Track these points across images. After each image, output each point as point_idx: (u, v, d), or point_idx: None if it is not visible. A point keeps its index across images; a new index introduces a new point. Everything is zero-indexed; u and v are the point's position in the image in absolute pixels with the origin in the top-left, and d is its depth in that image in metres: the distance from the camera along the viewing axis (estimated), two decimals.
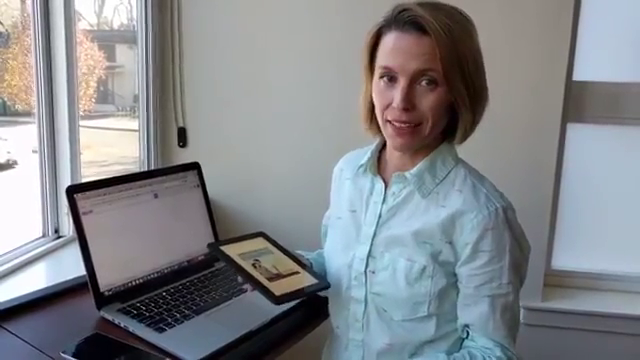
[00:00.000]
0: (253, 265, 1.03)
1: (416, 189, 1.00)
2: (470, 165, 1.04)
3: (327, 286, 1.07)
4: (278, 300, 0.98)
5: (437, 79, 0.91)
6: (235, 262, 1.03)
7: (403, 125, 0.95)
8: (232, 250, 1.06)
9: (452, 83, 0.92)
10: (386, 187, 1.04)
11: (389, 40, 0.94)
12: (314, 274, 1.09)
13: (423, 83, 0.92)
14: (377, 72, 0.97)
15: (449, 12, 0.93)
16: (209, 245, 1.07)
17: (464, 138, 0.99)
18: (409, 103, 0.93)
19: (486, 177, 1.03)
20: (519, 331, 1.01)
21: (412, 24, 0.91)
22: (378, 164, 1.07)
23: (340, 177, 1.16)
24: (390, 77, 0.94)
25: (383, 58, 0.95)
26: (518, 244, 0.97)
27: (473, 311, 0.97)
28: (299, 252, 1.18)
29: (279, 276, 1.03)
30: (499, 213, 0.95)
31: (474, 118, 0.97)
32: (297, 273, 1.07)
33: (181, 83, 2.00)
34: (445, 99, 0.93)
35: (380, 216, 1.03)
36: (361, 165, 1.08)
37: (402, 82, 0.93)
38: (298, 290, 1.02)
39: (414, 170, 1.00)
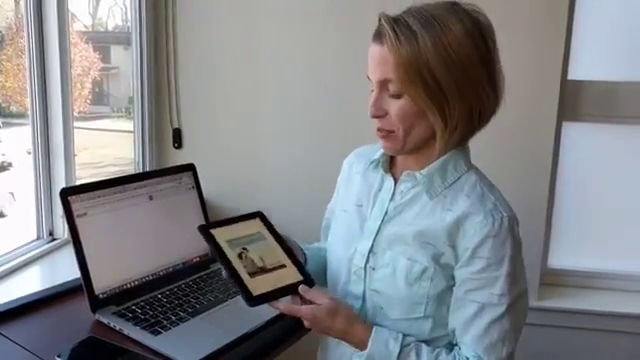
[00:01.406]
0: (239, 255, 1.00)
1: (424, 190, 1.00)
2: (482, 173, 1.03)
3: (312, 285, 1.03)
4: (252, 302, 0.96)
5: (399, 88, 0.92)
6: (221, 250, 1.00)
7: (379, 131, 0.98)
8: (222, 235, 1.02)
9: (410, 92, 0.92)
10: (396, 184, 1.04)
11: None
12: (301, 270, 1.04)
13: (390, 92, 0.94)
14: None
15: (423, 15, 0.92)
16: (200, 227, 1.03)
17: (445, 147, 0.97)
18: (379, 111, 0.96)
19: (497, 187, 1.02)
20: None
21: (379, 34, 0.93)
22: (390, 162, 1.07)
23: (350, 170, 1.16)
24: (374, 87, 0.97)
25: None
26: (518, 257, 0.96)
27: (459, 314, 0.97)
28: (294, 241, 1.15)
29: (263, 270, 1.00)
30: (504, 222, 0.94)
31: (446, 125, 0.94)
32: (283, 267, 1.03)
33: (176, 84, 1.99)
34: (413, 106, 0.93)
35: (386, 213, 1.03)
36: (373, 160, 1.08)
37: (375, 90, 0.96)
38: (277, 290, 0.98)
39: (425, 170, 1.00)
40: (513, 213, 0.97)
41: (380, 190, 1.06)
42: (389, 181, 1.05)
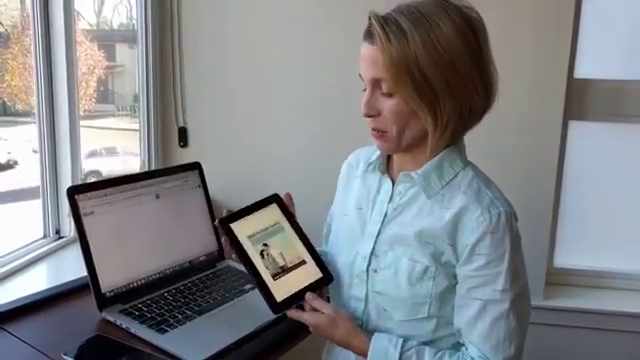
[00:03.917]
0: (261, 254, 1.00)
1: (422, 189, 0.99)
2: (479, 169, 1.03)
3: (330, 280, 1.06)
4: (277, 310, 0.98)
5: (390, 87, 0.92)
6: (243, 250, 0.99)
7: (373, 130, 0.98)
8: (242, 229, 1.01)
9: (401, 91, 0.92)
10: (394, 186, 1.04)
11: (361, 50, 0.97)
12: (319, 263, 1.06)
13: (382, 91, 0.94)
14: None
15: (413, 13, 0.91)
16: (219, 221, 1.01)
17: (437, 145, 0.97)
18: (372, 110, 0.96)
19: (494, 182, 1.01)
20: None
21: (370, 33, 0.93)
22: (387, 163, 1.07)
23: (349, 174, 1.16)
24: (366, 86, 0.97)
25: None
26: (518, 252, 0.96)
27: (464, 314, 0.97)
28: None
29: (284, 270, 1.01)
30: (501, 218, 0.94)
31: (437, 123, 0.94)
32: (303, 263, 1.04)
33: (181, 82, 1.99)
34: (405, 106, 0.93)
35: (386, 215, 1.03)
36: (370, 163, 1.08)
37: (367, 90, 0.96)
38: (299, 292, 1.00)
39: (421, 170, 0.99)
40: (511, 208, 0.97)
41: (379, 193, 1.06)
42: (387, 183, 1.05)
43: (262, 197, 1.08)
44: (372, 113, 0.96)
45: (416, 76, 0.90)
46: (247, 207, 1.05)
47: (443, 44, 0.90)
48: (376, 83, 0.94)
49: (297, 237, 1.07)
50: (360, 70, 0.97)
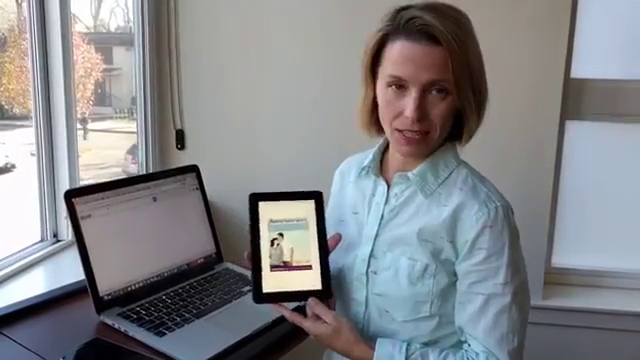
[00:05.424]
0: (272, 241, 0.98)
1: (419, 189, 1.00)
2: (472, 166, 1.04)
3: (327, 296, 1.01)
4: (259, 300, 0.95)
5: (448, 88, 0.92)
6: (257, 229, 0.98)
7: (415, 134, 0.95)
8: (267, 211, 0.99)
9: (462, 91, 0.92)
10: (389, 188, 1.04)
11: (397, 48, 0.92)
12: (325, 277, 1.01)
13: (434, 92, 0.93)
14: (384, 80, 0.95)
15: (454, 17, 0.92)
16: (251, 196, 0.99)
17: (469, 139, 1.00)
18: (422, 113, 0.93)
19: (487, 179, 1.03)
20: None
21: (423, 33, 0.90)
22: (380, 165, 1.07)
23: (342, 180, 1.16)
24: (399, 85, 0.93)
25: (392, 67, 0.93)
26: (517, 245, 0.97)
27: (466, 309, 0.97)
28: None
29: (286, 266, 0.98)
30: (499, 212, 0.95)
31: (479, 120, 0.98)
32: (308, 268, 1.00)
33: (179, 85, 1.99)
34: (454, 106, 0.94)
35: (382, 217, 1.03)
36: (363, 168, 1.08)
37: (414, 92, 0.92)
38: (288, 293, 0.98)
39: (416, 170, 1.00)
40: (507, 202, 0.98)
41: (374, 195, 1.06)
42: (382, 185, 1.05)
43: None
44: (423, 117, 0.93)
45: (473, 76, 0.93)
46: (285, 192, 1.02)
47: (477, 45, 0.94)
48: (430, 85, 0.92)
49: (317, 242, 1.02)
50: (399, 71, 0.92)
